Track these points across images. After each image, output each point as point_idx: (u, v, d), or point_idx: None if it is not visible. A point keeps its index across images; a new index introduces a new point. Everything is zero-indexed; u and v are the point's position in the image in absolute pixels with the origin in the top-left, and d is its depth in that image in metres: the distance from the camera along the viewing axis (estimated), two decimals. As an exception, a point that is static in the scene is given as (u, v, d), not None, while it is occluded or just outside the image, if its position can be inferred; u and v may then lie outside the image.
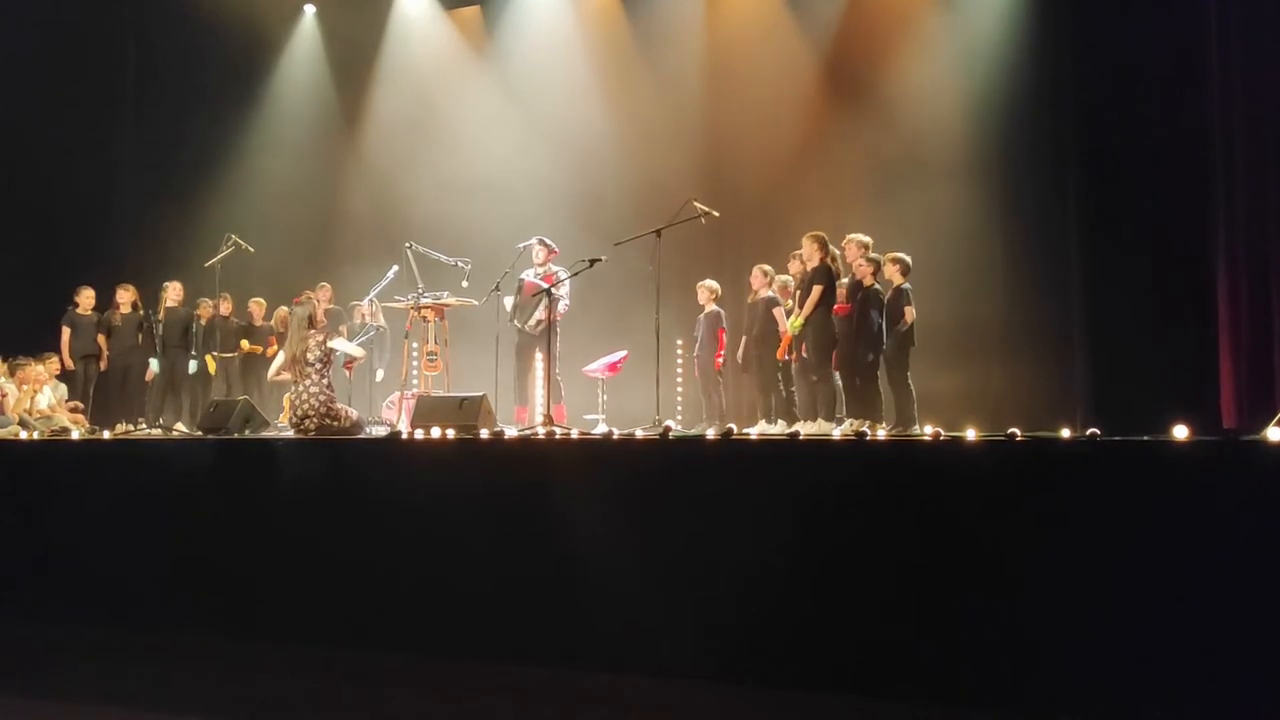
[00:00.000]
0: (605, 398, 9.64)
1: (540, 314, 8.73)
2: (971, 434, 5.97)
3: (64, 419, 9.27)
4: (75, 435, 8.07)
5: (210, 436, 7.46)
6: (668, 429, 6.62)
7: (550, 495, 5.34)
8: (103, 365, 10.34)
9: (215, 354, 10.54)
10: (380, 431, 8.12)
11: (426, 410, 7.18)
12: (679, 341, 10.56)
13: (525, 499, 5.39)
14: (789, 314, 8.49)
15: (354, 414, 7.69)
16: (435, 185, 11.61)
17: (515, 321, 9.21)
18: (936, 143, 10.02)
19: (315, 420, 7.30)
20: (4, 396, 9.22)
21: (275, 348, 10.65)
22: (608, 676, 4.99)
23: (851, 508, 4.82)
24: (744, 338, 9.12)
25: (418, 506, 5.61)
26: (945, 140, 10.01)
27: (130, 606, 5.97)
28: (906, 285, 8.09)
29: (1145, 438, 5.38)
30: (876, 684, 4.63)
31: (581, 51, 11.81)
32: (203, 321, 10.56)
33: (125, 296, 10.33)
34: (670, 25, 11.45)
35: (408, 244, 9.14)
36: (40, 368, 9.44)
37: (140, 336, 10.34)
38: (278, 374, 7.85)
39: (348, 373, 9.44)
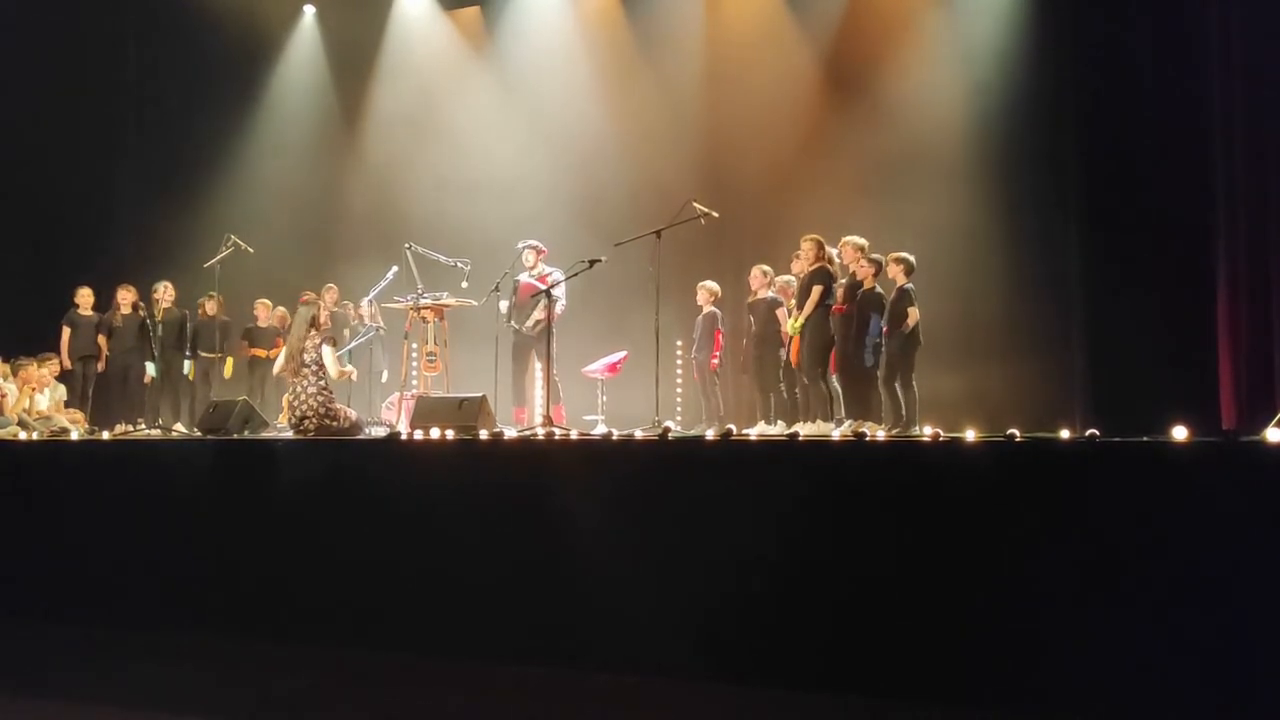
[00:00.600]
0: (605, 398, 9.63)
1: (538, 314, 8.73)
2: (971, 435, 5.97)
3: (63, 420, 9.27)
4: (74, 436, 8.06)
5: (209, 437, 7.46)
6: (667, 430, 6.62)
7: (550, 496, 5.34)
8: (101, 366, 10.33)
9: (200, 353, 10.51)
10: (380, 432, 8.12)
11: (426, 411, 7.17)
12: (678, 342, 10.56)
13: (525, 500, 5.39)
14: (790, 315, 8.49)
15: (353, 415, 7.69)
16: (435, 186, 11.61)
17: (512, 323, 9.21)
18: (936, 143, 10.02)
19: (314, 421, 7.30)
20: (3, 397, 9.21)
21: (280, 348, 10.65)
22: (607, 676, 4.99)
23: (851, 509, 4.82)
24: (744, 339, 9.12)
25: (417, 507, 5.61)
26: (945, 141, 10.01)
27: (130, 606, 5.97)
28: (910, 286, 8.09)
29: (1145, 438, 5.39)
30: (876, 684, 4.63)
31: (581, 52, 11.81)
32: (191, 322, 10.56)
33: (126, 297, 10.32)
34: (670, 25, 11.45)
35: (407, 245, 9.14)
36: (42, 370, 9.43)
37: (141, 338, 10.32)
38: (282, 369, 7.82)
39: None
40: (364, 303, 10.17)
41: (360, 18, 12.69)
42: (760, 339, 8.82)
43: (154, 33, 12.52)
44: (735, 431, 7.11)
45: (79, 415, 9.66)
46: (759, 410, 9.04)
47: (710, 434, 7.02)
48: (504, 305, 9.16)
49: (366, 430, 7.94)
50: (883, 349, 7.99)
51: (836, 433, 7.57)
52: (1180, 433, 5.26)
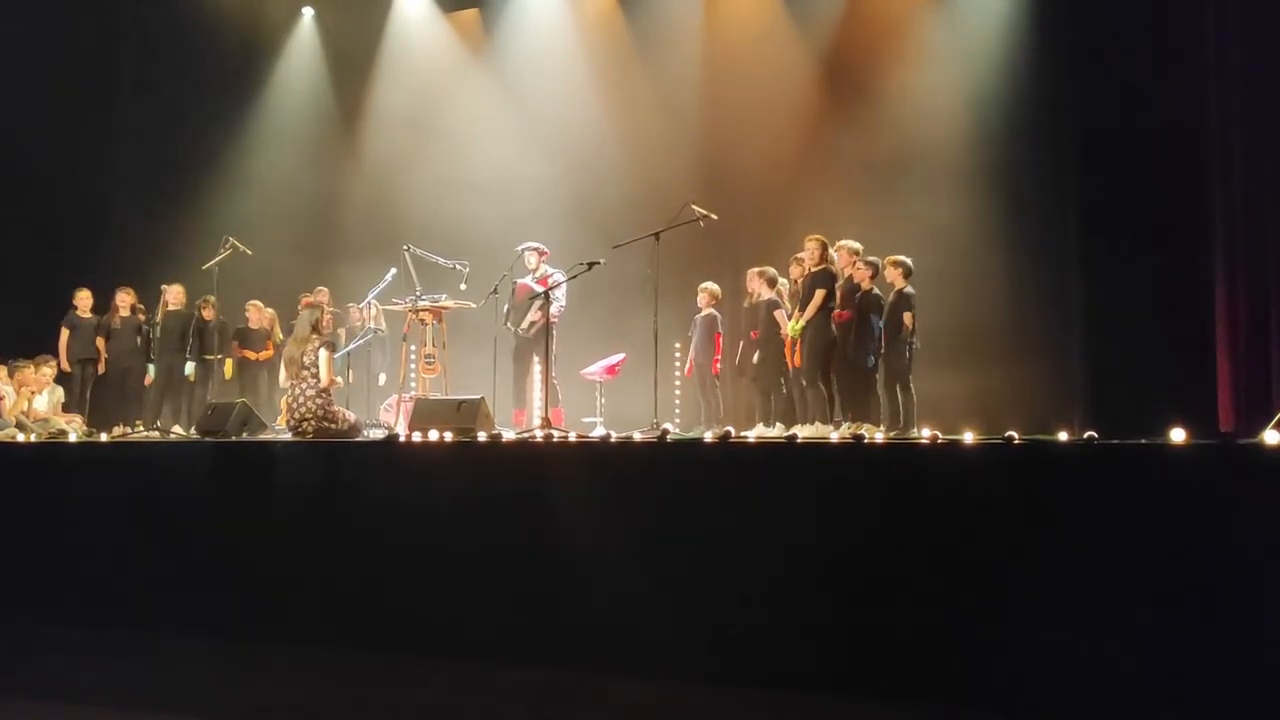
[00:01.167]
0: (603, 400, 9.63)
1: (533, 316, 8.73)
2: (969, 437, 5.98)
3: (61, 422, 9.26)
4: (73, 438, 8.06)
5: (208, 439, 7.46)
6: (666, 432, 6.62)
7: (548, 498, 5.34)
8: (100, 368, 10.32)
9: (203, 356, 10.49)
10: (378, 434, 8.12)
11: (424, 413, 7.17)
12: (677, 344, 10.55)
13: (523, 502, 5.39)
14: (789, 317, 8.49)
15: (352, 417, 7.69)
16: (434, 187, 11.61)
17: (508, 325, 9.21)
18: (935, 146, 10.03)
19: (313, 423, 7.29)
20: (1, 399, 9.21)
21: (270, 351, 10.63)
22: (606, 678, 4.99)
23: (850, 511, 4.83)
24: (742, 341, 9.12)
25: (416, 509, 5.61)
26: (944, 143, 10.02)
27: (128, 608, 5.97)
28: (908, 289, 8.09)
29: (1143, 441, 5.39)
30: (876, 685, 4.63)
31: (580, 54, 11.81)
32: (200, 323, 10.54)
33: (124, 299, 10.31)
34: (669, 28, 11.45)
35: (406, 246, 9.14)
36: (40, 372, 9.42)
37: (139, 340, 10.32)
38: (287, 378, 7.75)
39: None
40: (363, 304, 10.16)
41: (359, 19, 12.70)
42: (759, 341, 8.81)
43: (152, 35, 12.51)
44: (734, 434, 7.11)
45: (76, 418, 9.65)
46: (758, 412, 9.04)
47: (709, 436, 7.02)
48: (505, 308, 9.16)
49: (365, 432, 7.94)
50: (881, 351, 7.99)
51: (835, 435, 7.57)
52: (1178, 435, 5.26)
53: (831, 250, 8.26)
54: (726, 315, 9.50)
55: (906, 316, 7.96)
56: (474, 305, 9.06)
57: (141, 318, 10.37)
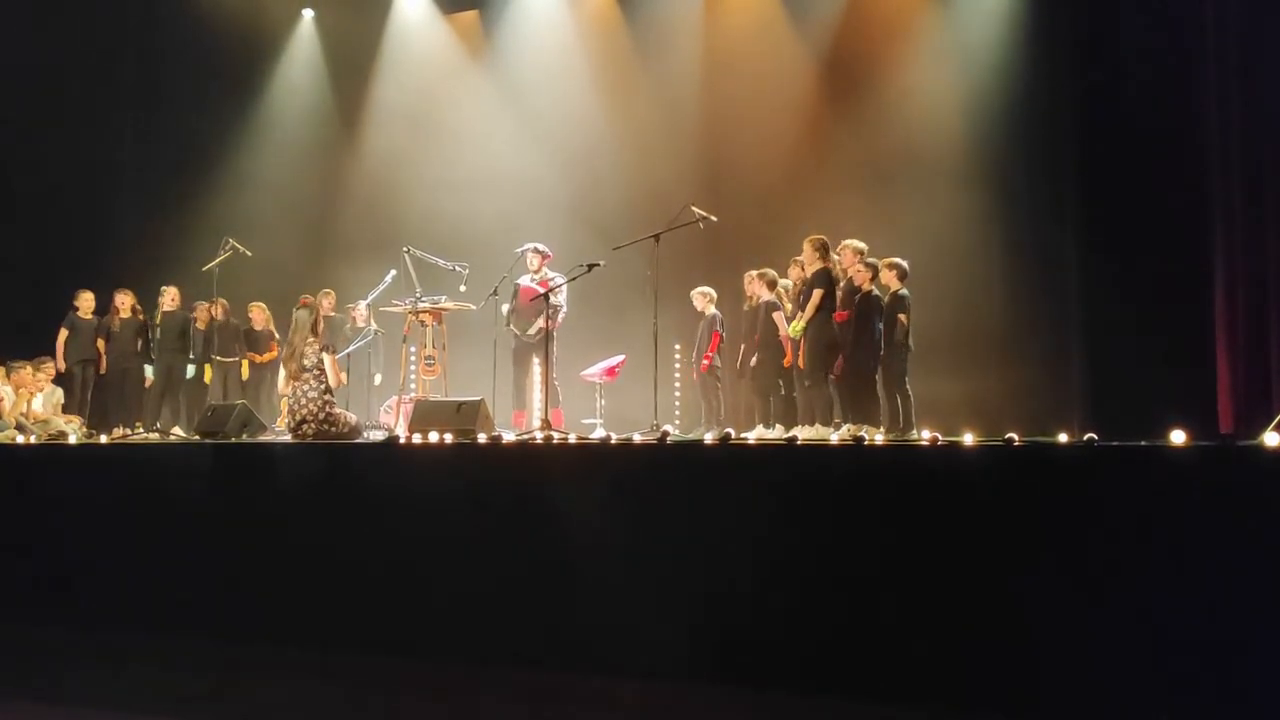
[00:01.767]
0: (603, 402, 9.63)
1: (541, 322, 8.68)
2: (969, 439, 5.98)
3: (61, 423, 9.26)
4: (72, 439, 8.06)
5: (208, 440, 7.46)
6: (665, 433, 6.62)
7: (548, 499, 5.34)
8: (101, 369, 10.32)
9: (215, 358, 10.51)
10: (378, 436, 8.11)
11: (424, 414, 7.17)
12: (677, 346, 10.56)
13: (523, 503, 5.39)
14: (789, 319, 8.50)
15: (352, 418, 7.68)
16: (433, 189, 11.61)
17: (511, 327, 9.21)
18: (934, 147, 10.04)
19: (313, 425, 7.29)
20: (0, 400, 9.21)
21: (274, 352, 10.62)
22: (605, 679, 4.98)
23: (849, 512, 4.82)
24: (742, 343, 9.12)
25: (415, 510, 5.61)
26: (944, 144, 10.02)
27: (128, 610, 5.96)
28: (904, 291, 8.10)
29: (1143, 442, 5.39)
30: (874, 687, 4.63)
31: (580, 56, 11.82)
32: (200, 326, 10.54)
33: (124, 301, 10.31)
34: (668, 29, 11.46)
35: (405, 248, 9.15)
36: (39, 373, 9.42)
37: (139, 341, 10.32)
38: (286, 385, 7.73)
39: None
40: (362, 306, 10.16)
41: (359, 21, 12.70)
42: (759, 343, 8.81)
43: (153, 36, 12.52)
44: (734, 435, 7.11)
45: (76, 419, 9.65)
46: (758, 414, 9.04)
47: (709, 438, 7.02)
48: (504, 309, 9.16)
49: (365, 434, 7.94)
50: (881, 352, 7.99)
51: (835, 437, 7.57)
52: (1178, 437, 5.27)
53: (834, 251, 8.25)
54: (726, 316, 9.50)
55: (901, 318, 7.97)
56: (474, 307, 9.07)
57: (141, 319, 10.37)
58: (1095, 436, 6.02)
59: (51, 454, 7.11)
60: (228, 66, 12.48)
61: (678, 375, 10.76)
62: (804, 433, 7.87)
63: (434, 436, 6.45)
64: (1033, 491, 4.62)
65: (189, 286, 10.53)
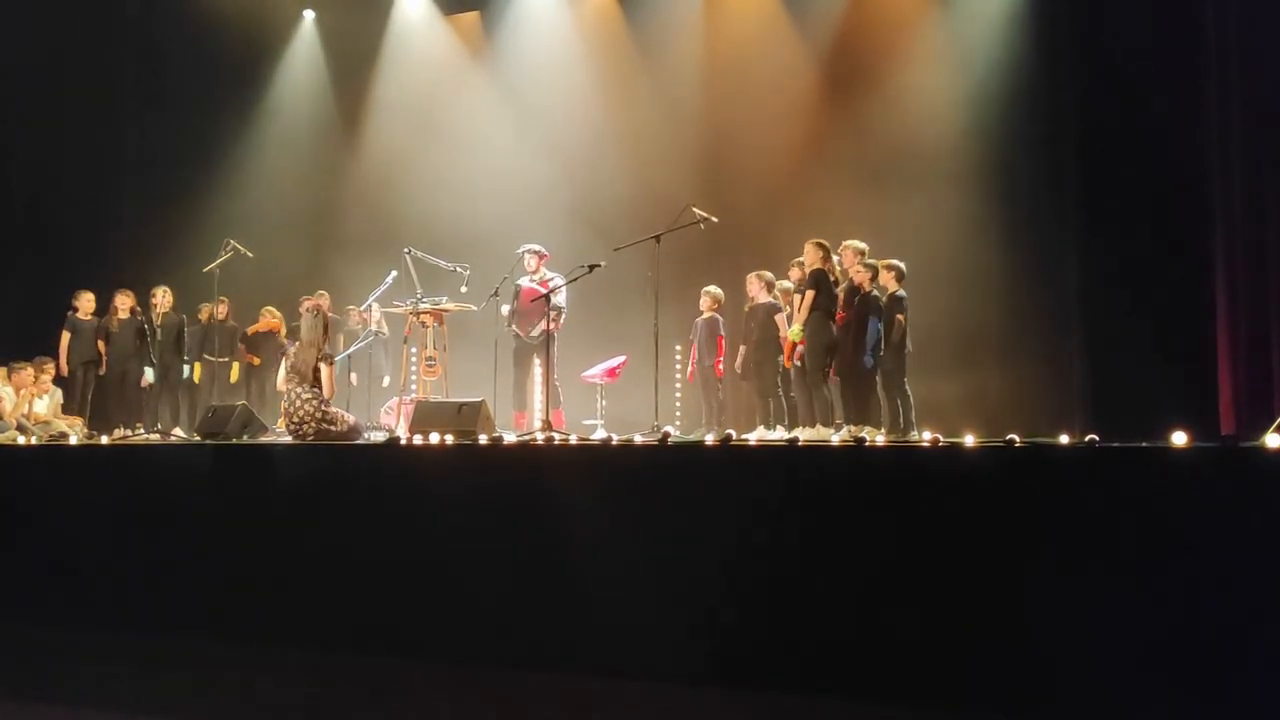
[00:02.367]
0: (604, 403, 9.63)
1: (543, 325, 8.63)
2: (970, 440, 5.98)
3: (62, 424, 9.26)
4: (73, 440, 8.06)
5: (208, 441, 7.46)
6: (666, 435, 6.62)
7: (549, 500, 5.34)
8: (101, 370, 10.31)
9: (205, 357, 10.49)
10: (379, 437, 8.12)
11: (425, 415, 7.17)
12: (678, 347, 10.56)
13: (524, 504, 5.39)
14: (789, 320, 8.49)
15: (351, 419, 7.68)
16: (434, 190, 11.60)
17: (512, 328, 9.21)
18: (936, 147, 10.03)
19: (313, 426, 7.29)
20: (0, 401, 9.21)
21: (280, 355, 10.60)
22: (606, 680, 4.98)
23: (850, 514, 4.82)
24: (743, 345, 9.12)
25: (416, 511, 5.61)
26: (944, 144, 10.02)
27: (128, 611, 5.97)
28: (902, 292, 8.10)
29: (1144, 444, 5.39)
30: (875, 688, 4.63)
31: (581, 56, 11.82)
32: (201, 323, 10.54)
33: (124, 302, 10.29)
34: (669, 30, 11.46)
35: (406, 249, 9.15)
36: (40, 375, 9.42)
37: (139, 342, 10.31)
38: (285, 382, 7.74)
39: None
40: (363, 307, 10.16)
41: (360, 22, 12.70)
42: (759, 344, 8.81)
43: (154, 37, 12.51)
44: (735, 437, 7.11)
45: (77, 420, 9.65)
46: (758, 415, 9.04)
47: (710, 439, 7.02)
48: (505, 310, 9.16)
49: (365, 435, 7.94)
50: (881, 353, 7.99)
51: (836, 438, 7.57)
52: (1179, 438, 5.27)
53: (835, 252, 8.25)
54: (728, 318, 9.49)
55: (899, 319, 7.97)
56: (475, 308, 9.06)
57: (141, 320, 10.36)
58: (1096, 438, 6.02)
59: (52, 455, 7.11)
60: (229, 67, 12.48)
61: (678, 376, 10.76)
62: (805, 434, 7.87)
63: (435, 438, 6.45)
64: (1034, 492, 4.63)
65: (190, 287, 10.53)
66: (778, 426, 8.62)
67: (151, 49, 12.56)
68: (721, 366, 9.25)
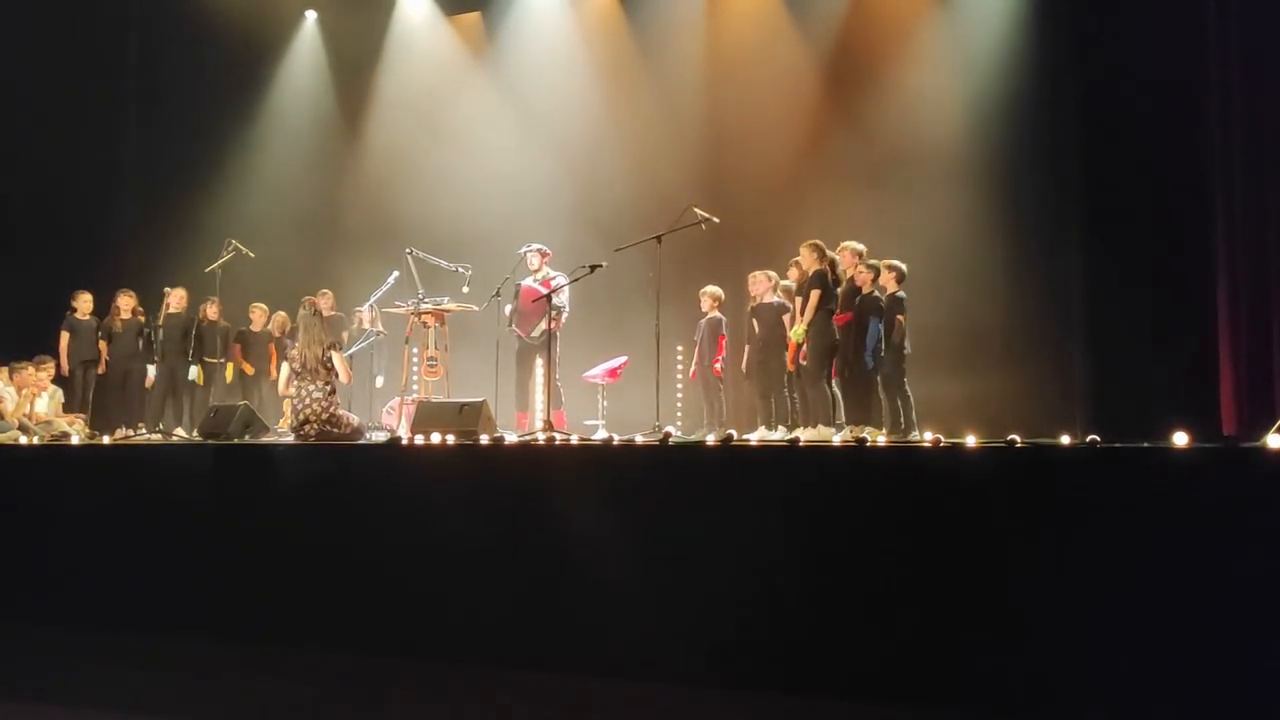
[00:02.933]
0: (605, 403, 9.63)
1: (544, 325, 8.63)
2: (971, 440, 5.98)
3: (63, 424, 9.27)
4: (75, 440, 8.07)
5: (210, 442, 7.46)
6: (668, 435, 6.62)
7: (550, 501, 5.34)
8: (101, 369, 10.32)
9: (205, 359, 10.47)
10: (381, 437, 8.12)
11: (427, 416, 7.18)
12: (679, 347, 10.56)
13: (525, 504, 5.39)
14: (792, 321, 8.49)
15: (354, 419, 7.69)
16: (435, 190, 11.61)
17: (513, 327, 9.21)
18: (937, 147, 10.02)
19: (316, 426, 7.29)
20: (1, 401, 9.21)
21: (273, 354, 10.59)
22: (607, 681, 4.98)
23: (851, 514, 4.82)
24: (745, 345, 9.11)
25: (418, 512, 5.61)
26: (946, 144, 10.01)
27: (130, 611, 5.97)
28: (901, 293, 8.10)
29: (1145, 444, 5.38)
30: (876, 689, 4.63)
31: (582, 57, 11.82)
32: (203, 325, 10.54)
33: (126, 302, 10.31)
34: (671, 31, 11.46)
35: (408, 249, 9.15)
36: (39, 374, 9.43)
37: (140, 342, 10.32)
38: (287, 388, 7.72)
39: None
40: (365, 307, 10.17)
41: (361, 23, 12.70)
42: (764, 344, 8.80)
43: (156, 37, 12.52)
44: (736, 437, 7.11)
45: (78, 419, 9.66)
46: (760, 415, 9.03)
47: (711, 439, 7.02)
48: (507, 309, 9.16)
49: (367, 435, 7.94)
50: (881, 354, 7.99)
51: (837, 438, 7.57)
52: (1181, 439, 5.27)
53: (833, 253, 8.25)
54: (729, 318, 9.49)
55: (900, 319, 7.97)
56: (476, 308, 9.07)
57: (142, 320, 10.37)
58: (1098, 438, 6.01)
59: (54, 455, 7.12)
60: (230, 67, 12.48)
61: (679, 376, 10.76)
62: (806, 434, 7.86)
63: (436, 438, 6.45)
64: (1035, 493, 4.62)
65: (191, 287, 10.53)
66: (779, 427, 8.61)
67: (153, 49, 12.57)
68: (720, 366, 9.24)
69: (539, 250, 9.25)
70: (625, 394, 9.64)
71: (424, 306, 8.97)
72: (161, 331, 10.23)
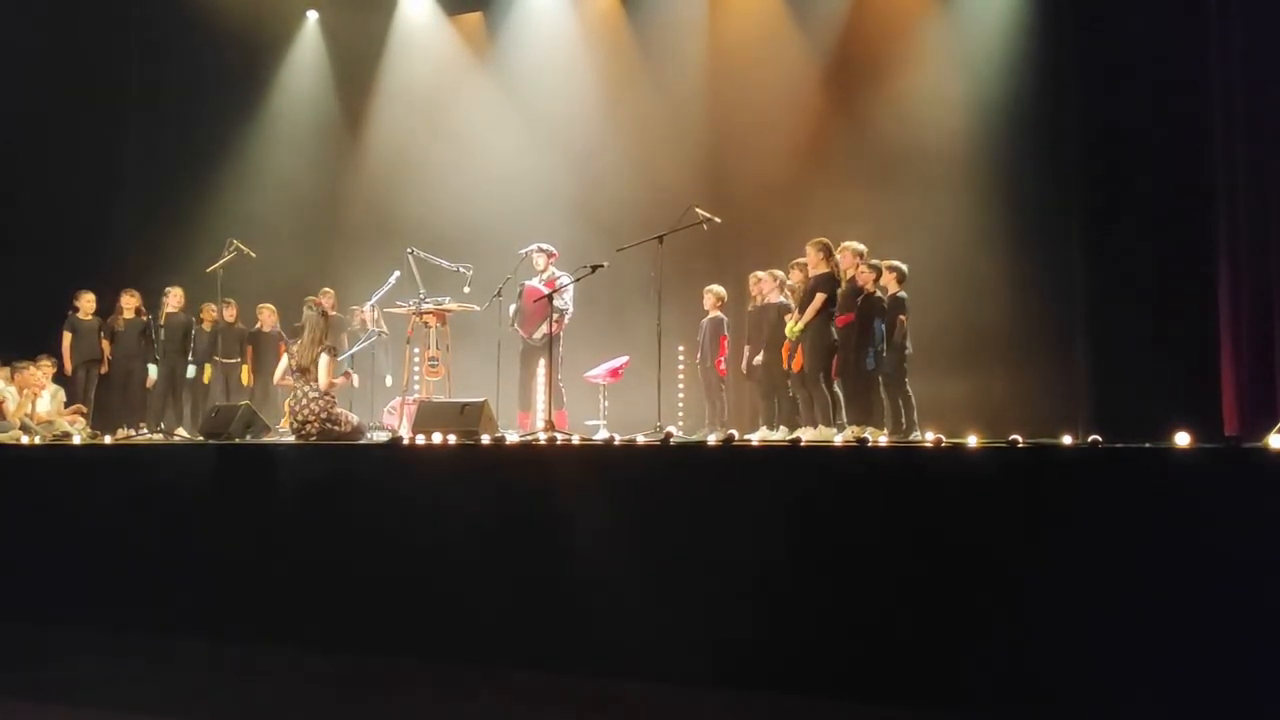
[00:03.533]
0: (607, 403, 9.63)
1: (547, 327, 8.60)
2: (973, 441, 5.97)
3: (65, 424, 9.28)
4: (77, 440, 8.07)
5: (211, 441, 7.46)
6: (669, 435, 6.61)
7: (552, 501, 5.34)
8: (103, 369, 10.33)
9: (217, 359, 10.51)
10: (382, 437, 8.12)
11: (428, 416, 7.18)
12: (680, 347, 10.56)
13: (527, 505, 5.39)
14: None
15: (355, 419, 7.69)
16: (437, 190, 11.62)
17: (516, 327, 9.21)
18: (939, 147, 10.02)
19: (316, 426, 7.30)
20: (1, 402, 9.21)
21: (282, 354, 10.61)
22: (609, 681, 4.98)
23: (853, 514, 4.82)
24: (747, 345, 9.11)
25: (419, 512, 5.61)
26: (948, 145, 10.01)
27: (131, 611, 5.97)
28: (903, 294, 8.09)
29: (1147, 445, 5.38)
30: (877, 689, 4.63)
31: (584, 57, 11.82)
32: (205, 327, 10.55)
33: (129, 302, 10.32)
34: (672, 30, 11.46)
35: (409, 249, 9.15)
36: (40, 373, 9.44)
37: (144, 342, 10.33)
38: (283, 379, 7.81)
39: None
40: (366, 307, 10.17)
41: (363, 23, 12.70)
42: (767, 344, 8.80)
43: (157, 37, 12.52)
44: (737, 437, 7.11)
45: (79, 417, 9.66)
46: (761, 416, 9.04)
47: (712, 439, 7.02)
48: (510, 309, 9.16)
49: (368, 435, 7.94)
50: (884, 354, 7.99)
51: (838, 439, 7.56)
52: (1183, 439, 5.26)
53: (835, 253, 8.24)
54: (731, 318, 9.49)
55: (901, 319, 7.97)
56: (477, 308, 9.06)
57: (145, 320, 10.38)
58: (1099, 438, 6.01)
59: (55, 455, 7.12)
60: (231, 67, 12.48)
61: (681, 377, 10.76)
62: (807, 434, 7.86)
63: (438, 438, 6.45)
64: (1036, 493, 4.62)
65: (192, 287, 10.55)
66: (781, 427, 8.61)
67: (154, 49, 12.57)
68: (722, 365, 9.24)
69: (545, 250, 9.24)
70: (627, 394, 9.64)
71: (425, 306, 8.97)
72: (163, 331, 10.25)
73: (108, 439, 8.48)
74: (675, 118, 11.22)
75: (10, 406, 9.21)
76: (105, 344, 10.30)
